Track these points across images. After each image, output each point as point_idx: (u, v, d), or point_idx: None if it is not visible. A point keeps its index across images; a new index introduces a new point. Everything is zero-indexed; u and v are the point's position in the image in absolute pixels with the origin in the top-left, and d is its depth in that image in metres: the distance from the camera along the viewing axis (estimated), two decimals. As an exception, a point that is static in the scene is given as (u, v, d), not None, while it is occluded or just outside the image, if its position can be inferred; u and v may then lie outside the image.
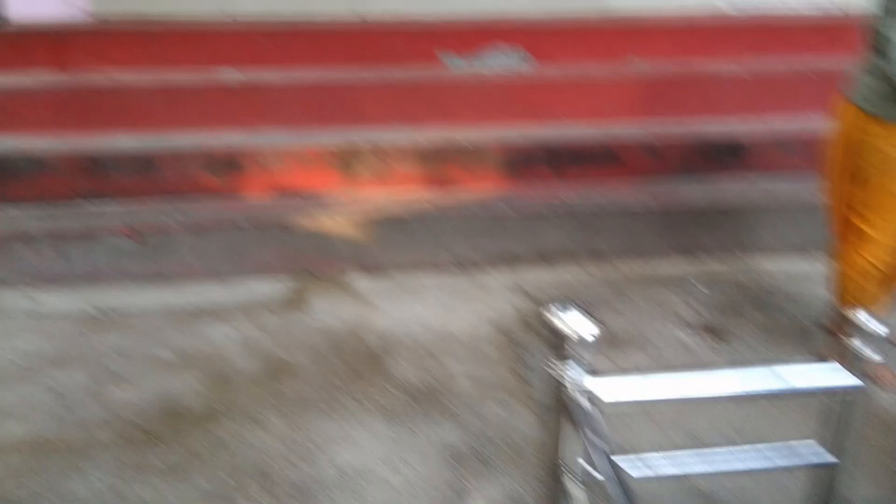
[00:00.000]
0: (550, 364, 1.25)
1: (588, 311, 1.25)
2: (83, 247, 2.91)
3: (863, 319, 1.30)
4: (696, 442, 2.12)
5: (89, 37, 3.42)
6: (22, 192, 3.07)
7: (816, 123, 3.53)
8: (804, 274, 3.11)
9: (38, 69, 3.37)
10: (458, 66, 3.63)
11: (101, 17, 3.57)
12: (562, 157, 3.35)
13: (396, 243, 3.10)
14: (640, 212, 3.20)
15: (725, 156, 3.40)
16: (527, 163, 3.33)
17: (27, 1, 3.49)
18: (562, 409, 1.24)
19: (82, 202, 3.11)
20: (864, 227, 2.24)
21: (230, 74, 3.46)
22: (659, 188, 3.33)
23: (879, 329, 1.29)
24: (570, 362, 1.23)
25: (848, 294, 2.34)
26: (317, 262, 3.06)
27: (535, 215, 3.16)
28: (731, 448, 1.42)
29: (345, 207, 3.15)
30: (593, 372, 1.23)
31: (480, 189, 3.31)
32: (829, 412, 1.35)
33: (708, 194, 3.29)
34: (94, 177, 3.11)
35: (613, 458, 1.21)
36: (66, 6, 3.53)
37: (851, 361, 1.29)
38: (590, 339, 1.23)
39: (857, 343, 1.30)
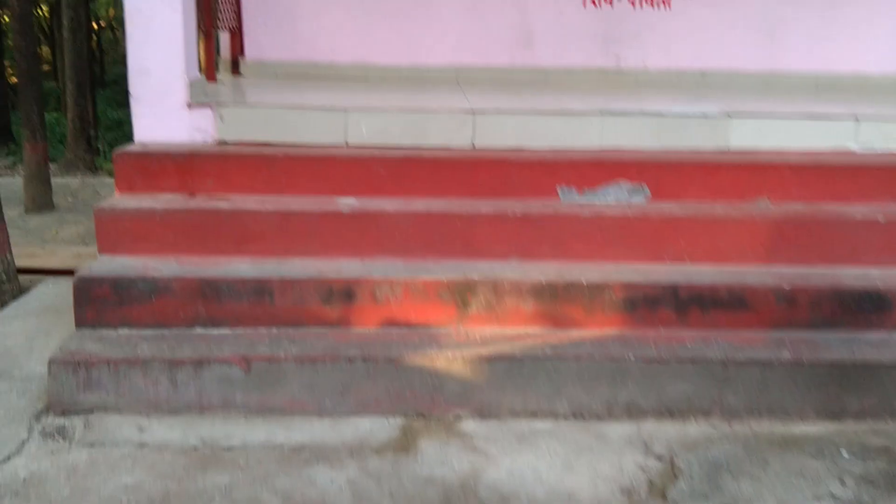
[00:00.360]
0: None
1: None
2: (193, 374, 2.86)
3: None
4: None
5: (213, 162, 3.50)
6: (137, 314, 3.07)
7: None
8: (965, 445, 2.79)
9: (162, 192, 3.45)
10: (575, 201, 3.54)
11: (225, 142, 3.67)
12: (686, 300, 3.17)
13: (510, 385, 2.94)
14: (774, 364, 2.97)
15: (867, 307, 3.15)
16: (648, 305, 3.17)
17: (156, 126, 3.62)
18: None
19: (195, 327, 3.09)
20: None
21: (346, 202, 3.47)
22: (793, 339, 3.10)
23: None
24: None
25: None
26: (427, 401, 2.93)
27: (658, 362, 2.97)
28: None
29: (457, 344, 3.03)
30: None
31: (599, 331, 3.14)
32: None
33: (850, 349, 3.04)
34: (209, 302, 3.09)
35: None
36: (194, 131, 3.64)
37: None
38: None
39: None
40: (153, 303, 3.07)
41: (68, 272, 7.63)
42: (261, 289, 3.11)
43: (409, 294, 3.16)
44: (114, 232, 3.27)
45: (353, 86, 4.87)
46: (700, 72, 5.37)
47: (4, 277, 6.87)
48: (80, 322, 3.07)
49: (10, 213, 10.29)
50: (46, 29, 23.57)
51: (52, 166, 13.40)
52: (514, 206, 3.47)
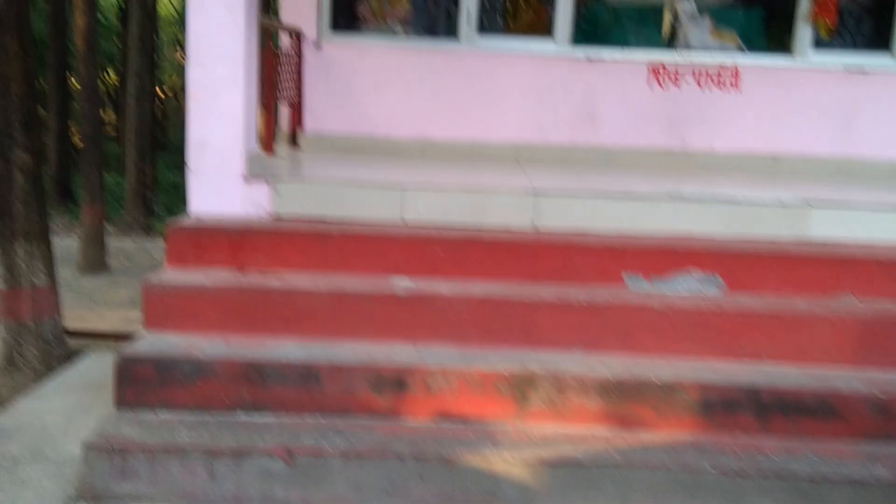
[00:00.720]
0: None
1: None
2: (233, 465, 2.68)
3: None
4: None
5: (267, 237, 3.40)
6: (179, 396, 2.93)
7: None
8: None
9: (213, 267, 3.34)
10: (643, 289, 3.33)
11: (280, 217, 3.57)
12: (767, 405, 2.90)
13: (573, 493, 2.69)
14: (869, 483, 2.66)
15: (974, 422, 2.84)
16: (726, 408, 2.90)
17: (212, 199, 3.54)
18: None
19: (237, 412, 2.92)
20: None
21: (401, 282, 3.31)
22: (890, 455, 2.79)
23: None
24: None
25: None
26: (481, 507, 2.69)
27: (738, 474, 2.69)
28: None
29: (515, 443, 2.80)
30: None
31: (672, 434, 2.89)
32: None
33: (957, 470, 2.72)
34: (254, 386, 2.93)
35: None
36: (249, 205, 3.56)
37: None
38: None
39: None
40: (196, 385, 2.92)
41: (116, 336, 7.64)
42: (308, 374, 2.95)
43: (465, 385, 2.95)
44: (161, 308, 3.15)
45: (412, 161, 4.79)
46: (771, 156, 5.16)
47: (53, 340, 6.86)
48: (120, 403, 2.93)
49: (65, 274, 10.43)
50: (114, 94, 24.53)
51: (109, 227, 13.67)
52: (577, 293, 3.27)
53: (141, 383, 2.91)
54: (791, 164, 5.11)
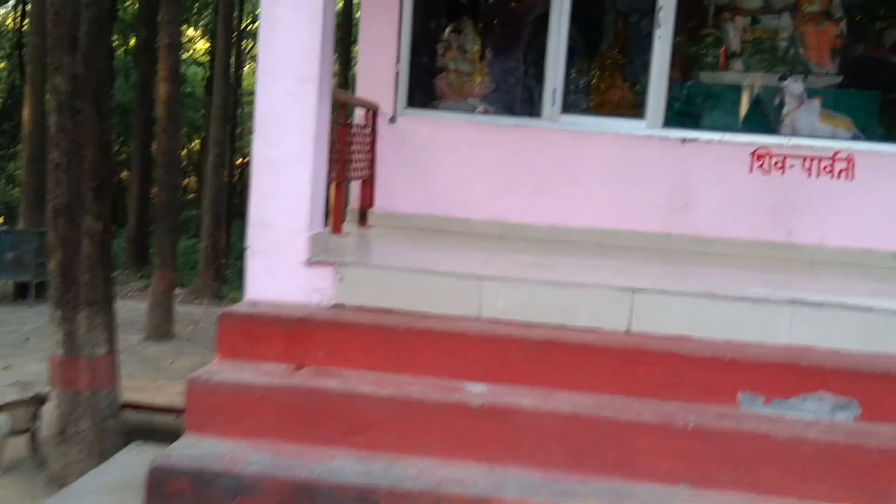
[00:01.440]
0: None
1: None
2: None
3: None
4: None
5: (327, 330, 3.04)
6: (216, 516, 2.54)
7: None
8: None
9: (266, 361, 3.00)
10: (761, 413, 2.82)
11: (343, 306, 3.22)
12: (929, 576, 2.33)
13: None
14: None
15: None
16: (875, 576, 2.35)
17: (270, 284, 3.23)
18: None
19: (283, 541, 2.52)
20: None
21: (475, 388, 2.89)
22: None
23: None
24: None
25: None
26: None
27: None
28: None
29: None
30: None
31: None
32: None
33: None
34: (301, 509, 2.53)
35: None
36: (311, 292, 3.23)
37: None
38: None
39: None
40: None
41: (171, 410, 7.36)
42: (365, 499, 2.52)
43: (549, 524, 2.48)
44: (206, 408, 2.80)
45: (488, 245, 4.41)
46: (890, 253, 4.59)
47: (108, 414, 6.64)
48: (149, 521, 2.56)
49: (131, 339, 10.38)
50: (197, 162, 25.27)
51: (181, 292, 13.72)
52: (683, 413, 2.78)
53: (174, 499, 2.54)
54: (915, 263, 4.53)
